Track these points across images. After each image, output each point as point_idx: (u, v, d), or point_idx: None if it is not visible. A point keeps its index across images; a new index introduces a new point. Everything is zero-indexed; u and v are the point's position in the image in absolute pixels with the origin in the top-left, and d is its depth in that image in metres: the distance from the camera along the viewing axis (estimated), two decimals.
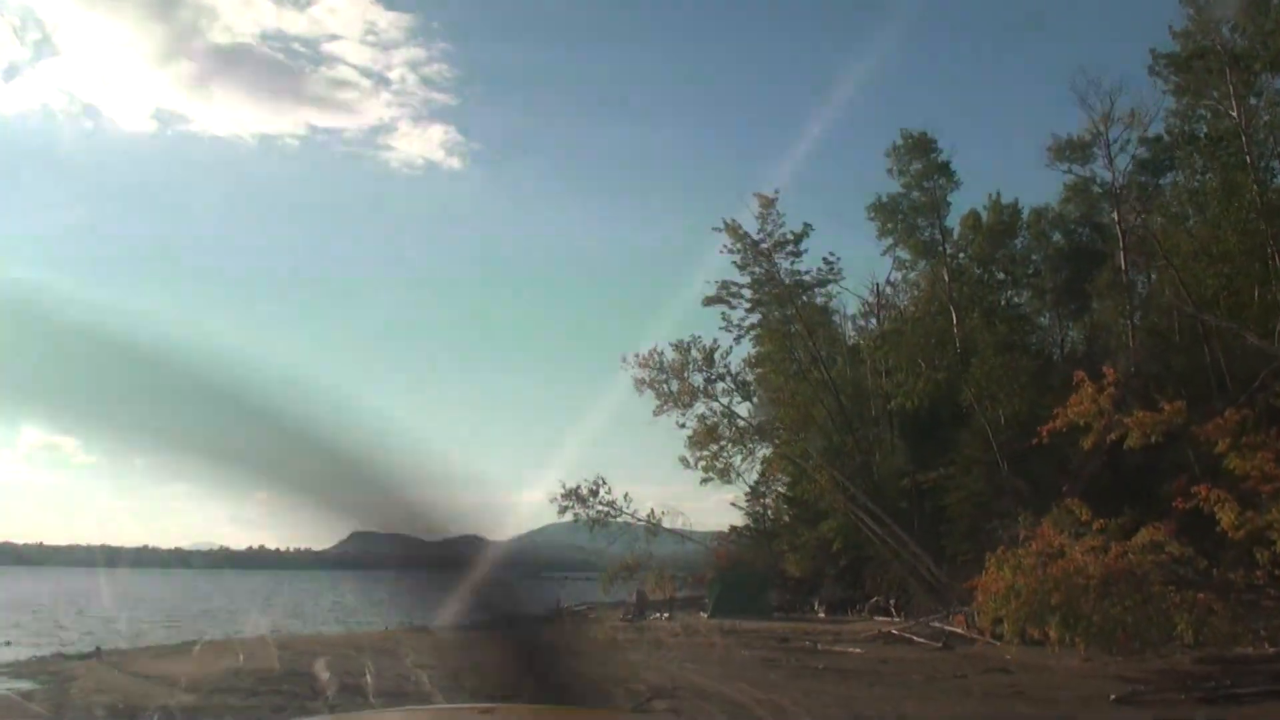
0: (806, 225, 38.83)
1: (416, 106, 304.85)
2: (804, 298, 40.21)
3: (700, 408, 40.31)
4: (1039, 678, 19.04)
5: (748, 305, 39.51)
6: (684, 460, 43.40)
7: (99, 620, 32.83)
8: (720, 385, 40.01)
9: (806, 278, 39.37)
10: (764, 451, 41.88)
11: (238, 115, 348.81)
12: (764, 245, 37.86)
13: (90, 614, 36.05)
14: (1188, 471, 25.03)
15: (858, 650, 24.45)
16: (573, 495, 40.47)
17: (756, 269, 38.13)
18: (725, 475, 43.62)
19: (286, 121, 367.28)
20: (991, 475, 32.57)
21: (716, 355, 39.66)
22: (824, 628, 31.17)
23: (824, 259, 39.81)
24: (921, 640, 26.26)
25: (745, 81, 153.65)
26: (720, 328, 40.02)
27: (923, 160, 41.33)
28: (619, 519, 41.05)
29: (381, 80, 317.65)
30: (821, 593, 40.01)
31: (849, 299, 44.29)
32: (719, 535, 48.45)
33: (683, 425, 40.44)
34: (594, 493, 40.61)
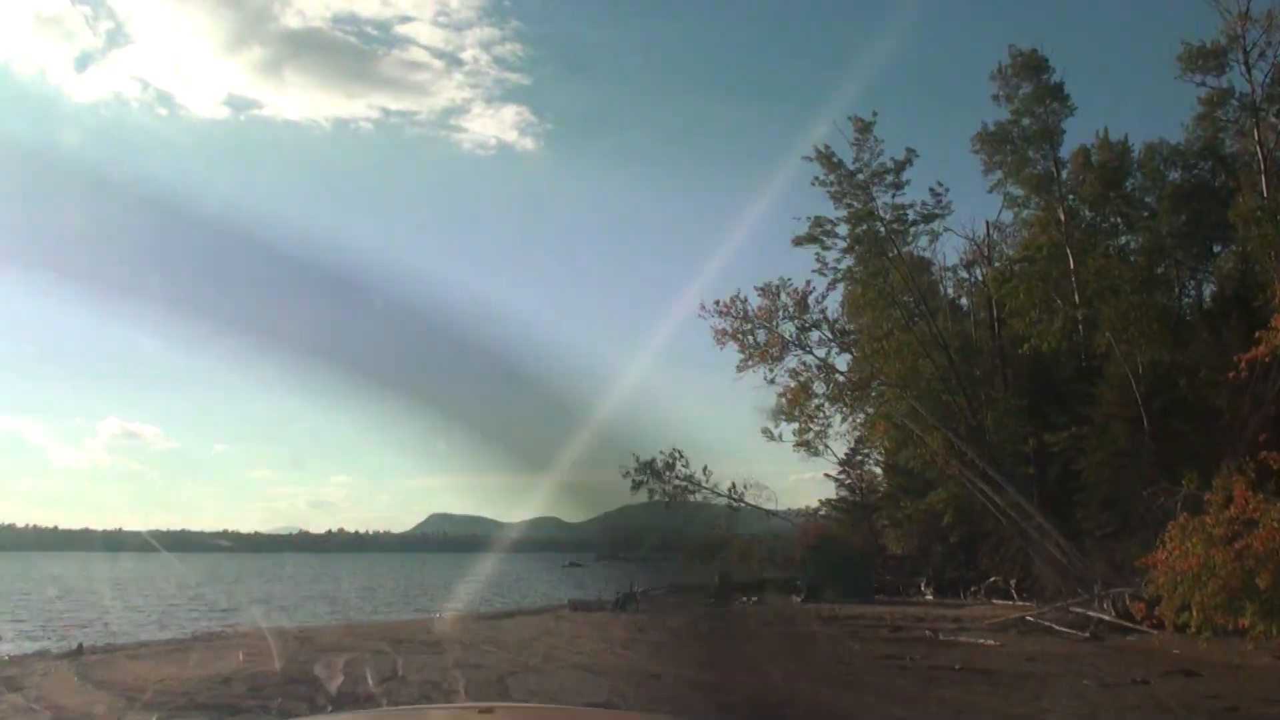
0: (910, 151, 33.70)
1: (489, 87, 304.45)
2: (908, 238, 35.16)
3: (792, 361, 35.57)
4: (1233, 683, 14.70)
5: (843, 245, 34.62)
6: (766, 432, 39.30)
7: (124, 611, 30.37)
8: (815, 335, 35.36)
9: (910, 212, 34.16)
10: (863, 414, 37.26)
11: (310, 99, 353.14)
12: (860, 176, 33.06)
13: (121, 602, 33.81)
14: None
15: (991, 642, 20.42)
16: (647, 469, 36.60)
17: (853, 203, 33.26)
18: (815, 446, 39.44)
19: (359, 105, 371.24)
20: (1134, 434, 27.80)
21: (811, 300, 34.87)
22: (939, 613, 27.27)
23: (931, 189, 34.64)
24: (1063, 629, 22.24)
25: (820, 45, 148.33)
26: (814, 270, 35.11)
27: (1033, 82, 36.39)
28: (697, 495, 37.10)
29: (454, 61, 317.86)
30: (928, 572, 35.77)
31: (948, 252, 39.22)
32: (806, 512, 44.37)
33: (771, 381, 36.01)
34: (670, 466, 36.76)
